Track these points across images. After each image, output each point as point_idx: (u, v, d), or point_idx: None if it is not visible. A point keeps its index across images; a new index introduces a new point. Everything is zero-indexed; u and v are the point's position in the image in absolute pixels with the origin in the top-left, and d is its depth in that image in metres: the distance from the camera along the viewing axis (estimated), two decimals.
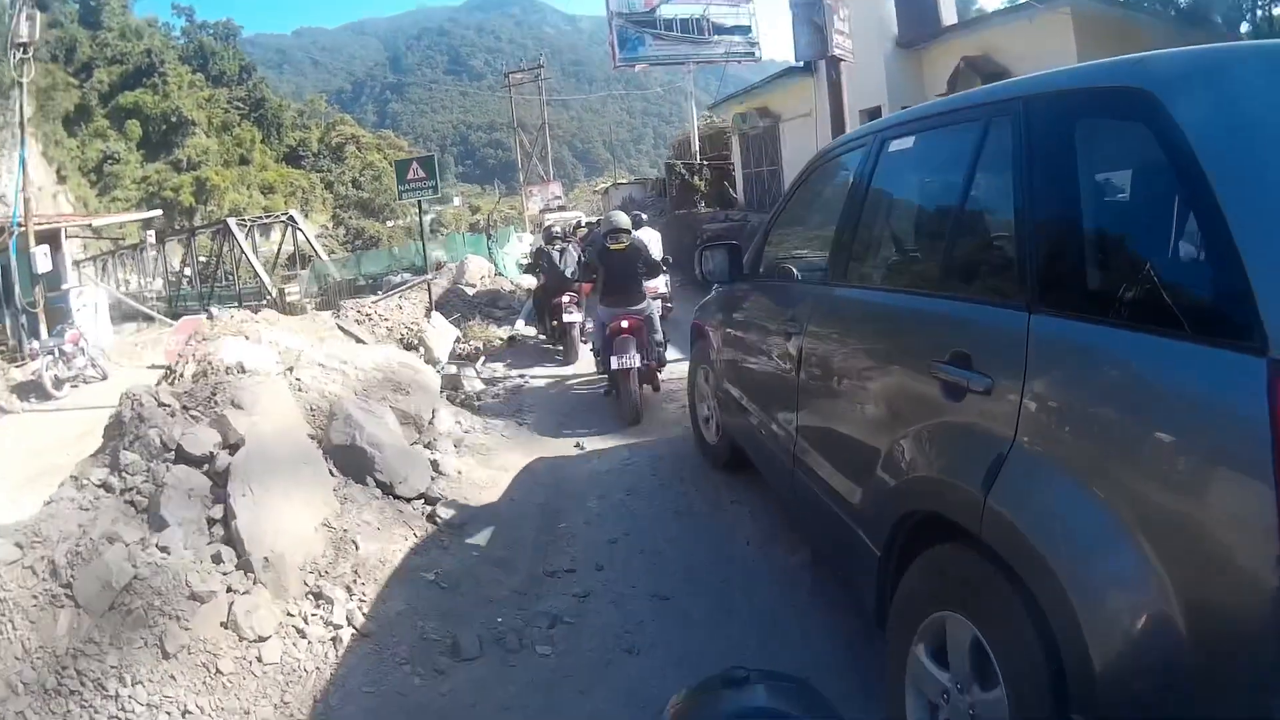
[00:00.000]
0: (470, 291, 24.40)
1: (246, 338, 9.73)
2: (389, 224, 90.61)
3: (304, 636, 5.33)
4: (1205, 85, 2.44)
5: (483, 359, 15.40)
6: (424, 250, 21.47)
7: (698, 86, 38.53)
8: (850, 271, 4.42)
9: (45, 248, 23.47)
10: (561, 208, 51.49)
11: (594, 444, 9.40)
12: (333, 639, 5.37)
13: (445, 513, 7.16)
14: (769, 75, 29.69)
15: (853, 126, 14.99)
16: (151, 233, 45.52)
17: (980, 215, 3.48)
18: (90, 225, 39.69)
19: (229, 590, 5.35)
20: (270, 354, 9.19)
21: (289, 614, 5.49)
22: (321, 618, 5.52)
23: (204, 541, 5.67)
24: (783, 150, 30.22)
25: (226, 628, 5.14)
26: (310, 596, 5.69)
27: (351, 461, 7.17)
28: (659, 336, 10.99)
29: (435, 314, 16.79)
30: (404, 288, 21.36)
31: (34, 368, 19.17)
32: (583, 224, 27.46)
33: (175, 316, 40.81)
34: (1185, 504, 2.13)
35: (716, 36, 37.64)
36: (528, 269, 20.14)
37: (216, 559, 5.54)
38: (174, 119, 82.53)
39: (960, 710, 2.82)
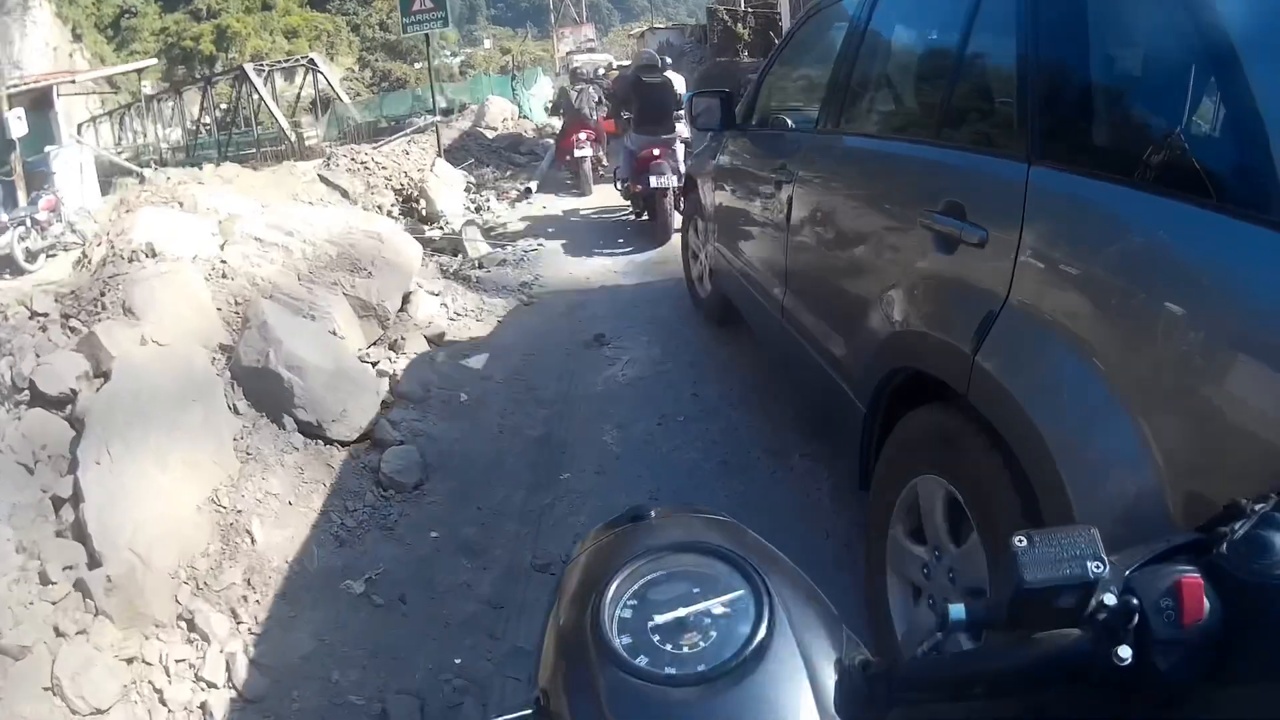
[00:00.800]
0: (490, 135, 22.35)
1: (180, 205, 7.63)
2: (416, 65, 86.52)
3: (163, 703, 3.43)
4: None
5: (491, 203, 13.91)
6: (431, 90, 18.64)
7: None
8: (844, 118, 4.17)
9: (19, 110, 21.64)
10: (591, 50, 49.67)
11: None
12: (201, 707, 3.44)
13: (396, 463, 4.92)
14: None
15: None
16: (148, 82, 43.47)
17: (981, 60, 3.14)
18: (74, 80, 36.99)
19: (57, 632, 3.51)
20: (204, 226, 7.16)
21: (146, 662, 3.56)
22: (190, 666, 3.58)
23: (49, 534, 3.89)
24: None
25: (54, 694, 3.31)
26: (181, 625, 3.74)
27: (265, 392, 5.08)
28: (682, 169, 10.55)
29: (441, 162, 14.47)
30: (409, 131, 19.02)
31: (3, 240, 17.46)
32: (613, 66, 26.58)
33: (194, 167, 41.28)
34: (1189, 383, 1.90)
35: None
36: (554, 110, 20.87)
37: (44, 578, 3.70)
38: None
39: (941, 581, 2.76)
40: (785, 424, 5.22)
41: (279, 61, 51.01)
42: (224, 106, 46.77)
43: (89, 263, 6.79)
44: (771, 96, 5.70)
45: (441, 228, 12.32)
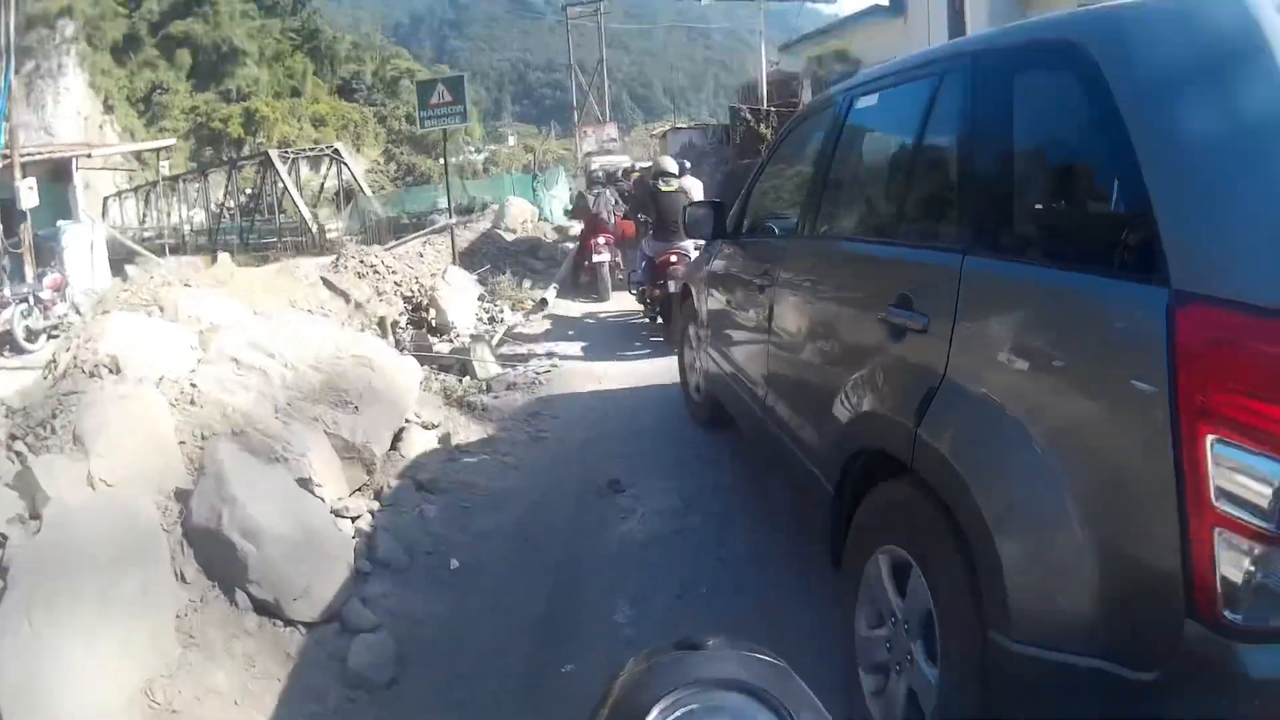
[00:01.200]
0: (509, 238, 21.80)
1: (160, 310, 6.94)
2: (441, 160, 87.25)
3: None
4: (1128, 39, 2.54)
5: (503, 330, 12.79)
6: (448, 191, 17.90)
7: (762, 30, 35.05)
8: (818, 224, 4.56)
9: (31, 180, 20.78)
10: (610, 151, 49.42)
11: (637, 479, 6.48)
12: None
13: (366, 655, 4.07)
14: (850, 15, 26.43)
15: None
16: (166, 162, 43.54)
17: (930, 166, 3.63)
18: (89, 154, 36.50)
19: None
20: (182, 337, 6.43)
21: None
22: None
23: None
24: None
25: None
26: None
27: (218, 556, 4.27)
28: None
29: (454, 269, 13.97)
30: (426, 232, 18.51)
31: (4, 317, 16.69)
32: (635, 168, 25.12)
33: (216, 251, 39.49)
34: (1096, 431, 2.29)
35: None
36: (572, 214, 20.93)
37: None
38: (224, 49, 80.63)
39: (902, 646, 2.90)
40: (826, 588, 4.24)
41: (303, 149, 51.13)
42: (249, 191, 46.97)
43: (54, 370, 6.00)
44: (757, 206, 6.01)
45: (452, 339, 11.67)
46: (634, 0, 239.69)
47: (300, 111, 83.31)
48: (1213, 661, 1.94)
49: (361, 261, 13.34)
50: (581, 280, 16.06)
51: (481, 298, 14.35)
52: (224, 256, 36.76)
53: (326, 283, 11.49)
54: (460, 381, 9.32)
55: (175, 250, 44.70)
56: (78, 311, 17.82)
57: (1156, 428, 2.00)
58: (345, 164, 44.10)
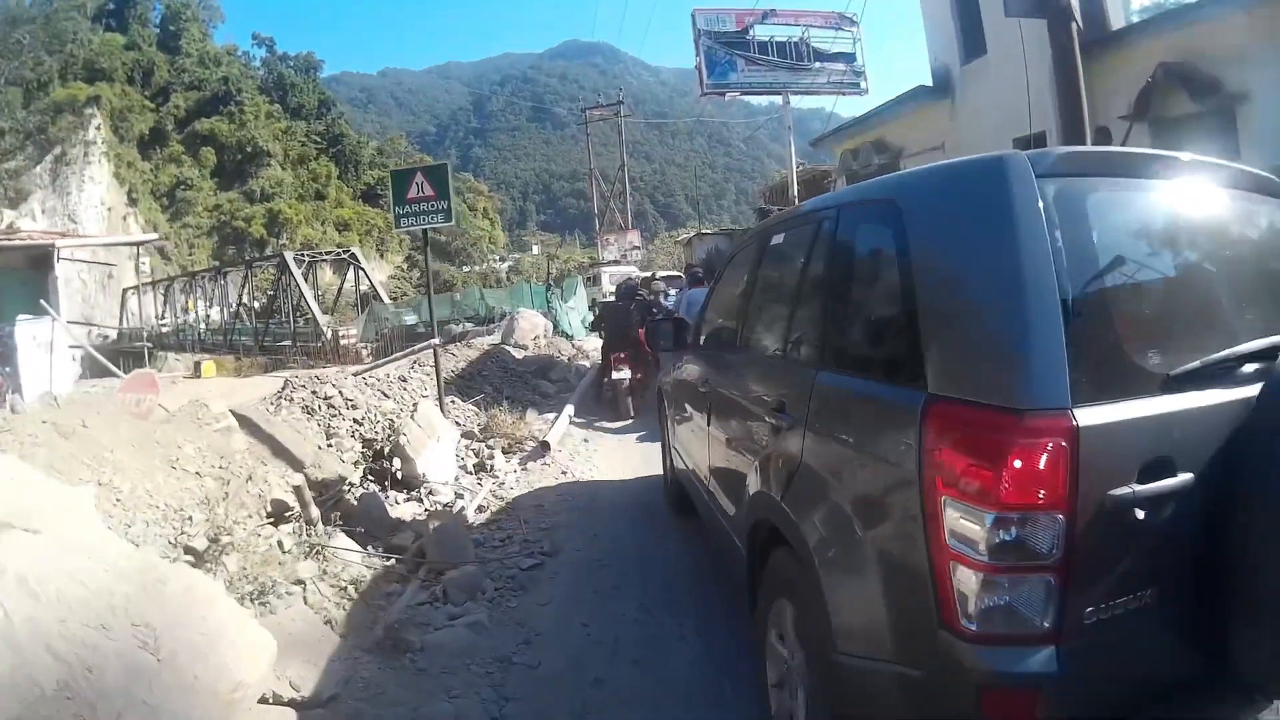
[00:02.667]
0: (518, 356, 19.16)
1: None
2: (465, 269, 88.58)
3: None
4: (925, 199, 3.46)
5: (483, 493, 9.75)
6: (430, 305, 14.42)
7: (790, 124, 32.43)
8: (739, 340, 5.59)
9: None
10: (631, 260, 49.41)
11: None
12: None
13: None
14: (888, 102, 23.78)
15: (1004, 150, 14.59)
16: (144, 264, 42.26)
17: (804, 294, 4.46)
18: (54, 245, 34.37)
19: None
20: None
21: None
22: None
23: None
24: None
25: None
26: None
27: None
28: None
29: (426, 404, 10.94)
30: (418, 349, 15.70)
31: None
32: (657, 276, 27.41)
33: (233, 351, 42.16)
34: (882, 494, 3.12)
35: (817, 64, 31.53)
36: (593, 327, 20.63)
37: None
38: (249, 149, 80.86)
39: (792, 676, 3.77)
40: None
41: (320, 252, 50.91)
42: (270, 293, 45.58)
43: None
44: (707, 322, 7.02)
45: (422, 497, 8.99)
46: (654, 109, 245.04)
47: (324, 215, 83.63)
48: (956, 659, 2.66)
49: (314, 393, 10.55)
50: (605, 396, 15.36)
51: (470, 436, 11.61)
52: (208, 363, 36.00)
53: (247, 423, 8.70)
54: (410, 579, 6.47)
55: (180, 349, 46.58)
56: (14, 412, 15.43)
57: (913, 490, 2.83)
58: (362, 268, 43.40)
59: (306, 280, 42.12)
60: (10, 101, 59.07)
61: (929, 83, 22.19)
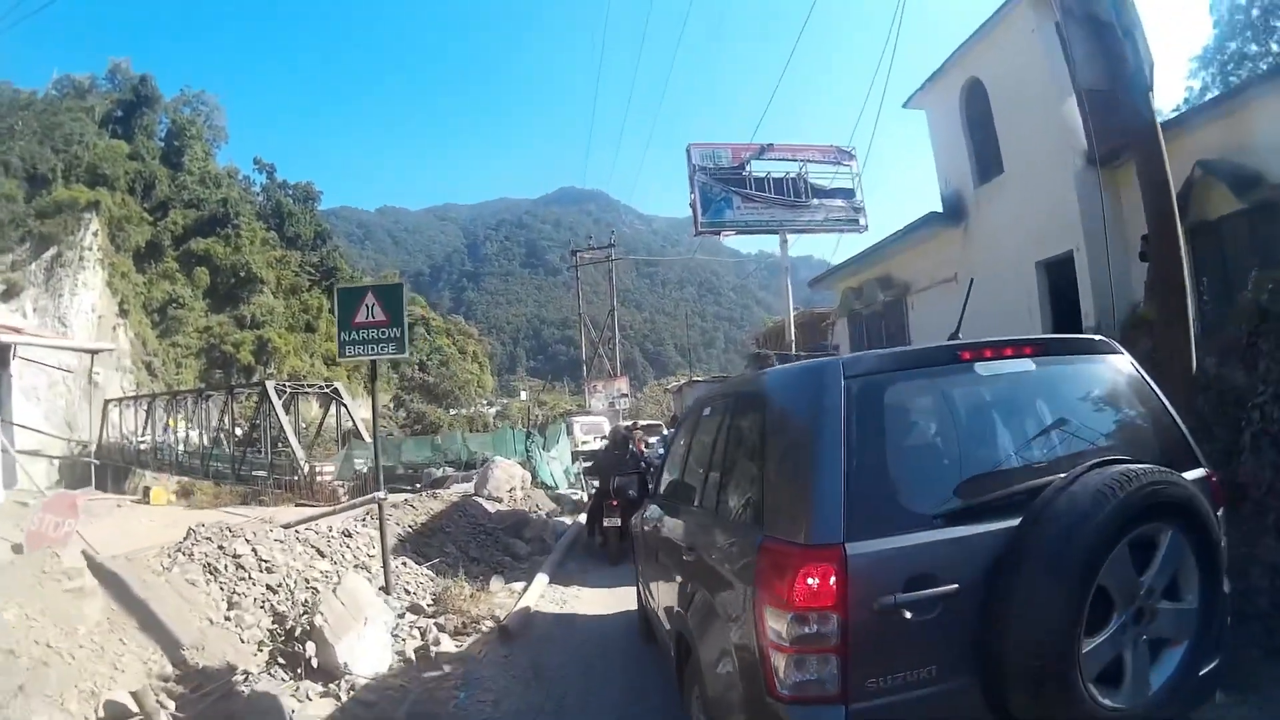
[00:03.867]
0: (491, 509, 17.50)
1: None
2: (451, 411, 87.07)
3: None
4: (777, 391, 4.78)
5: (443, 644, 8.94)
6: (375, 452, 11.95)
7: (787, 266, 30.78)
8: (678, 492, 6.99)
9: None
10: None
11: None
12: None
13: None
14: (895, 234, 22.12)
15: (1036, 277, 17.74)
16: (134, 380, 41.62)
17: (712, 459, 5.76)
18: (13, 345, 34.31)
19: None
20: None
21: None
22: None
23: None
24: (910, 329, 23.28)
25: None
26: None
27: None
28: None
29: (353, 578, 9.12)
30: (367, 500, 13.54)
31: None
32: (636, 425, 28.54)
33: (209, 477, 41.61)
34: (735, 602, 4.40)
35: (815, 200, 30.40)
36: (588, 473, 22.20)
37: None
38: (243, 273, 79.98)
39: None
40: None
41: (302, 384, 49.75)
42: (252, 421, 43.66)
43: None
44: (666, 475, 8.03)
45: (339, 694, 7.41)
46: (646, 258, 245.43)
47: (313, 347, 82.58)
48: (777, 716, 3.83)
49: (220, 547, 8.53)
50: (596, 542, 15.94)
51: (417, 610, 10.09)
52: (158, 489, 34.31)
53: (114, 581, 6.69)
54: None
55: (158, 468, 46.21)
56: None
57: (749, 601, 4.08)
58: (344, 404, 42.60)
59: (289, 412, 41.43)
60: (11, 194, 59.38)
61: (938, 210, 20.74)
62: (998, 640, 3.69)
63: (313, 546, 10.32)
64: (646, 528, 7.89)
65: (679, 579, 5.69)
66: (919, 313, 22.69)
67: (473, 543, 14.34)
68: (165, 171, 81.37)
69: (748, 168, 29.90)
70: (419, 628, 9.31)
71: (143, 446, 48.72)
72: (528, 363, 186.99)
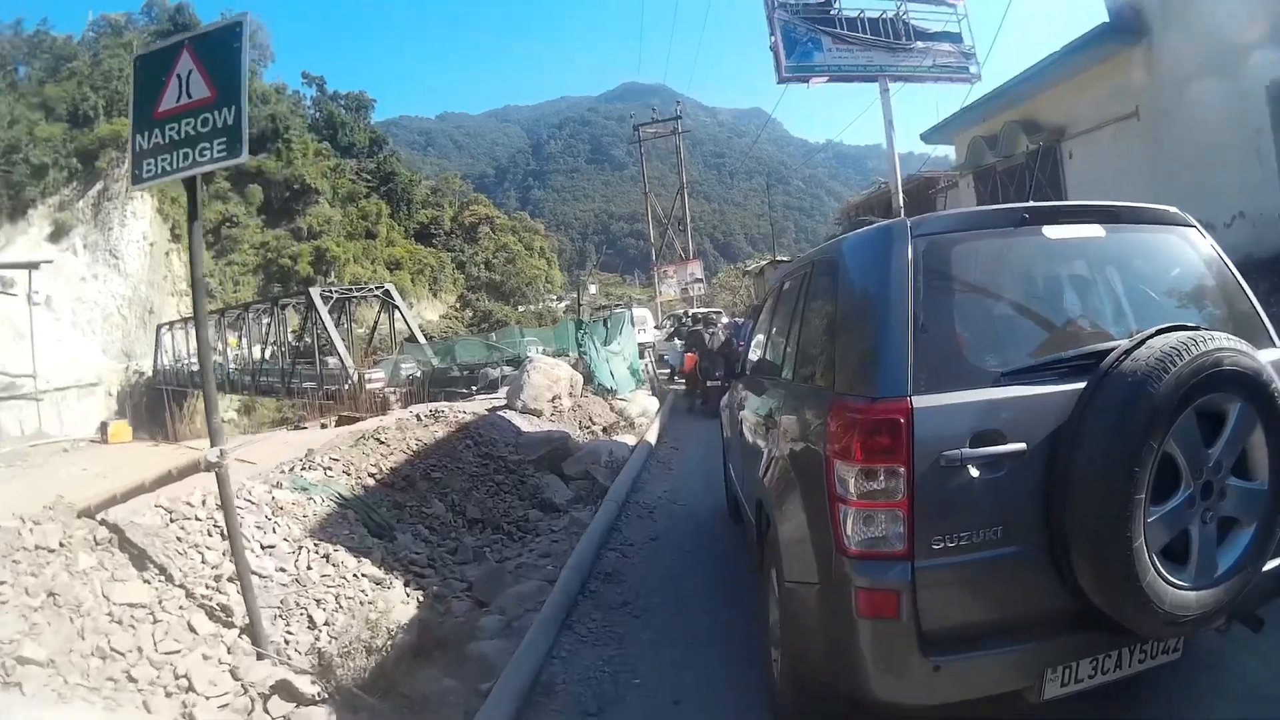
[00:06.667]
0: (525, 427, 12.46)
1: None
2: (519, 308, 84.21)
3: None
4: (850, 255, 4.54)
5: None
6: (203, 360, 7.52)
7: (891, 119, 24.91)
8: (759, 367, 7.10)
9: None
10: (688, 297, 45.48)
11: None
12: None
13: None
14: (1050, 57, 16.51)
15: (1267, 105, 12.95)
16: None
17: (790, 329, 5.69)
18: None
19: None
20: None
21: None
22: None
23: None
24: (1066, 185, 17.49)
25: None
26: None
27: None
28: None
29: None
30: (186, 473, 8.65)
31: None
32: (688, 314, 32.52)
33: (260, 393, 43.12)
34: (810, 459, 4.23)
35: (919, 43, 23.63)
36: (685, 348, 22.81)
37: None
38: (297, 186, 76.99)
39: (771, 600, 4.90)
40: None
41: (350, 288, 46.14)
42: (303, 333, 41.73)
43: None
44: (752, 352, 8.07)
45: None
46: (712, 149, 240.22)
47: (374, 253, 79.89)
48: (844, 573, 3.66)
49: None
50: (695, 405, 18.37)
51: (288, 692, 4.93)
52: (117, 425, 31.19)
53: None
54: None
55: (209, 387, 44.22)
56: None
57: (820, 459, 3.91)
58: (397, 306, 40.36)
59: (342, 320, 39.89)
60: (54, 136, 59.28)
61: (1105, 24, 15.26)
62: (1061, 501, 3.58)
63: (137, 551, 5.33)
64: (732, 406, 8.15)
65: (760, 450, 5.59)
66: (1079, 164, 17.05)
67: (480, 490, 9.49)
68: None
69: (836, 5, 23.36)
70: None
71: (194, 368, 45.80)
72: (597, 257, 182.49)
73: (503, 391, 16.73)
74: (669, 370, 27.51)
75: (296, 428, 30.71)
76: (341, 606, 6.29)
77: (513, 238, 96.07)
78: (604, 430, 14.68)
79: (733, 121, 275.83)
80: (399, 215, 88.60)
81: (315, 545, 6.89)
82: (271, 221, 75.70)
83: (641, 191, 54.24)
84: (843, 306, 4.32)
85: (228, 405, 53.64)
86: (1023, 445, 3.56)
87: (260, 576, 6.16)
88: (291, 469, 8.23)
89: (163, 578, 5.50)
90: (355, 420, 20.70)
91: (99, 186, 59.26)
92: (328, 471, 8.33)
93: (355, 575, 6.71)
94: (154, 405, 48.31)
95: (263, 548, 6.58)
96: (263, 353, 43.64)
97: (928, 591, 3.53)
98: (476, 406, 14.23)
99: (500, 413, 13.31)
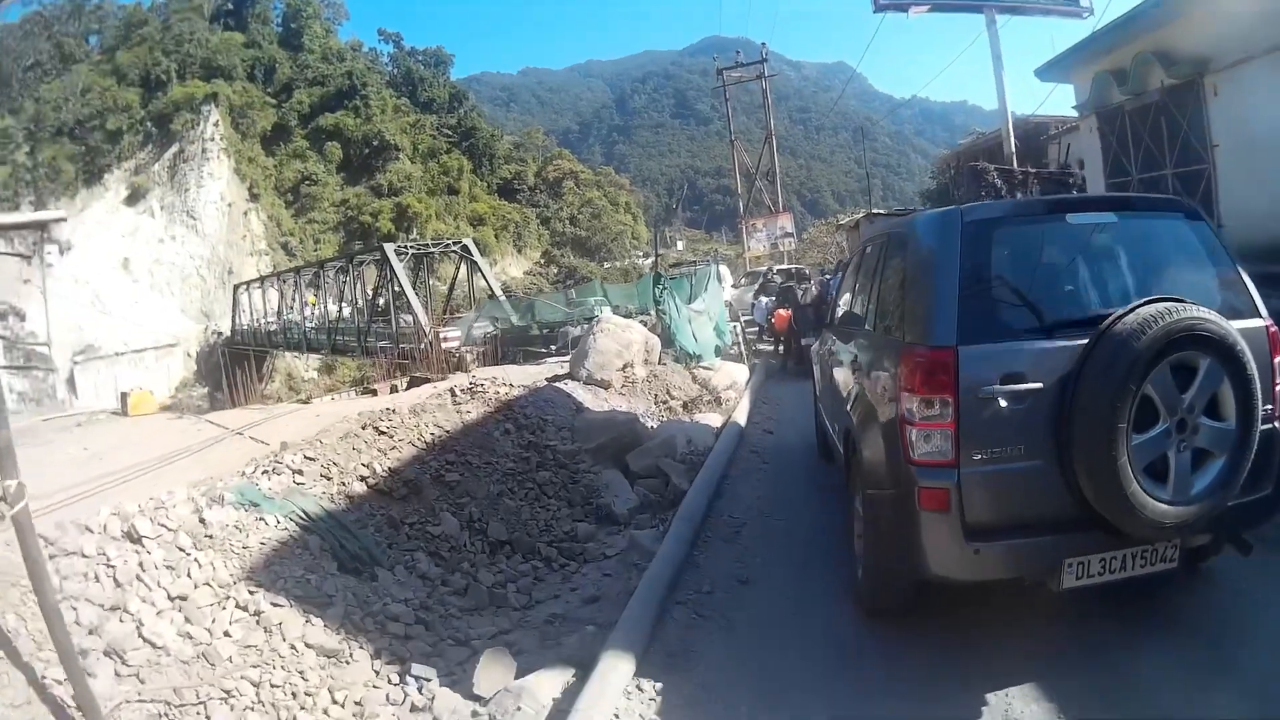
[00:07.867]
0: (588, 401, 10.59)
1: None
2: (605, 265, 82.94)
3: None
4: (919, 231, 5.55)
5: None
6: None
7: (1000, 55, 22.13)
8: (845, 319, 7.96)
9: None
10: (777, 251, 43.08)
11: None
12: None
13: None
14: None
15: None
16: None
17: (872, 287, 6.65)
18: None
19: None
20: None
21: None
22: None
23: None
24: (1210, 127, 14.35)
25: None
26: None
27: None
28: None
29: None
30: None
31: None
32: (774, 270, 31.84)
33: (336, 352, 41.51)
34: (885, 394, 5.19)
35: None
36: (778, 304, 21.09)
37: None
38: (376, 143, 76.72)
39: (855, 508, 5.90)
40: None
41: (427, 244, 44.68)
42: (379, 290, 41.93)
43: None
44: (840, 306, 8.88)
45: None
46: (798, 104, 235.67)
47: (456, 209, 79.37)
48: (910, 478, 4.65)
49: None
50: (790, 366, 17.91)
51: None
52: (138, 395, 29.55)
53: None
54: None
55: (287, 348, 47.74)
56: None
57: (894, 392, 4.92)
58: (475, 262, 39.11)
59: (420, 277, 39.84)
60: (129, 102, 60.88)
61: None
62: (1067, 428, 4.51)
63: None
64: (820, 350, 9.43)
65: (848, 388, 6.62)
66: (1227, 101, 13.83)
67: (515, 495, 7.45)
68: (284, 54, 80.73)
69: None
70: None
71: (271, 328, 47.54)
72: (683, 213, 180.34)
73: (544, 368, 14.88)
74: (756, 329, 25.48)
75: (366, 390, 29.67)
76: (262, 701, 4.15)
77: (597, 193, 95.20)
78: (683, 406, 12.56)
79: (817, 75, 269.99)
80: (481, 171, 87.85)
81: (250, 594, 4.74)
82: (351, 179, 75.91)
83: (728, 142, 51.71)
84: (909, 273, 5.46)
85: (307, 365, 54.45)
86: (1040, 384, 4.61)
87: (153, 648, 4.12)
88: (253, 471, 6.12)
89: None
90: (426, 381, 20.22)
91: (174, 149, 60.74)
92: (298, 476, 6.22)
93: (296, 645, 4.54)
94: (231, 365, 48.19)
95: (170, 599, 4.49)
96: (339, 311, 43.17)
97: (969, 492, 4.61)
98: (537, 373, 12.41)
99: (560, 384, 11.29)
